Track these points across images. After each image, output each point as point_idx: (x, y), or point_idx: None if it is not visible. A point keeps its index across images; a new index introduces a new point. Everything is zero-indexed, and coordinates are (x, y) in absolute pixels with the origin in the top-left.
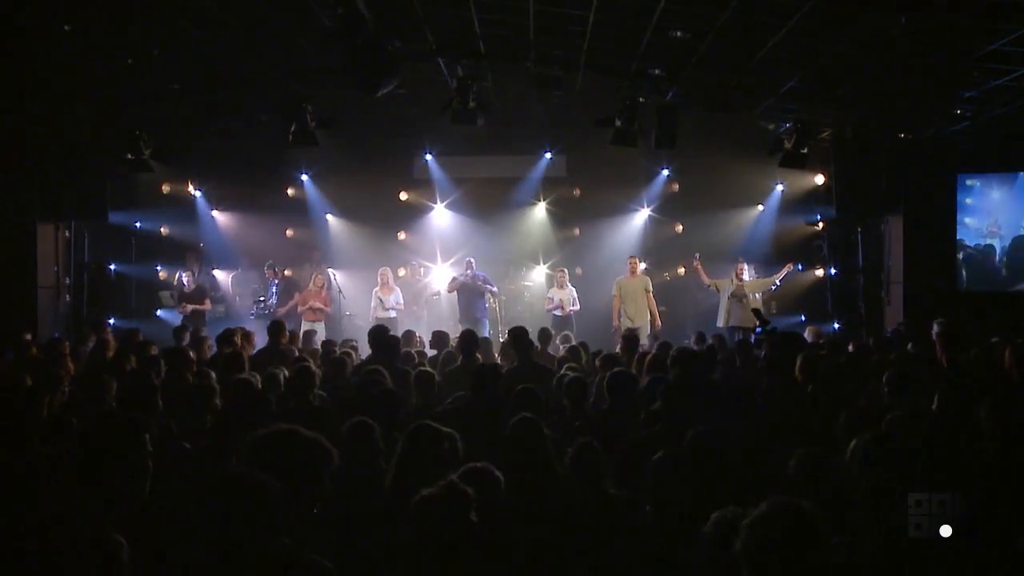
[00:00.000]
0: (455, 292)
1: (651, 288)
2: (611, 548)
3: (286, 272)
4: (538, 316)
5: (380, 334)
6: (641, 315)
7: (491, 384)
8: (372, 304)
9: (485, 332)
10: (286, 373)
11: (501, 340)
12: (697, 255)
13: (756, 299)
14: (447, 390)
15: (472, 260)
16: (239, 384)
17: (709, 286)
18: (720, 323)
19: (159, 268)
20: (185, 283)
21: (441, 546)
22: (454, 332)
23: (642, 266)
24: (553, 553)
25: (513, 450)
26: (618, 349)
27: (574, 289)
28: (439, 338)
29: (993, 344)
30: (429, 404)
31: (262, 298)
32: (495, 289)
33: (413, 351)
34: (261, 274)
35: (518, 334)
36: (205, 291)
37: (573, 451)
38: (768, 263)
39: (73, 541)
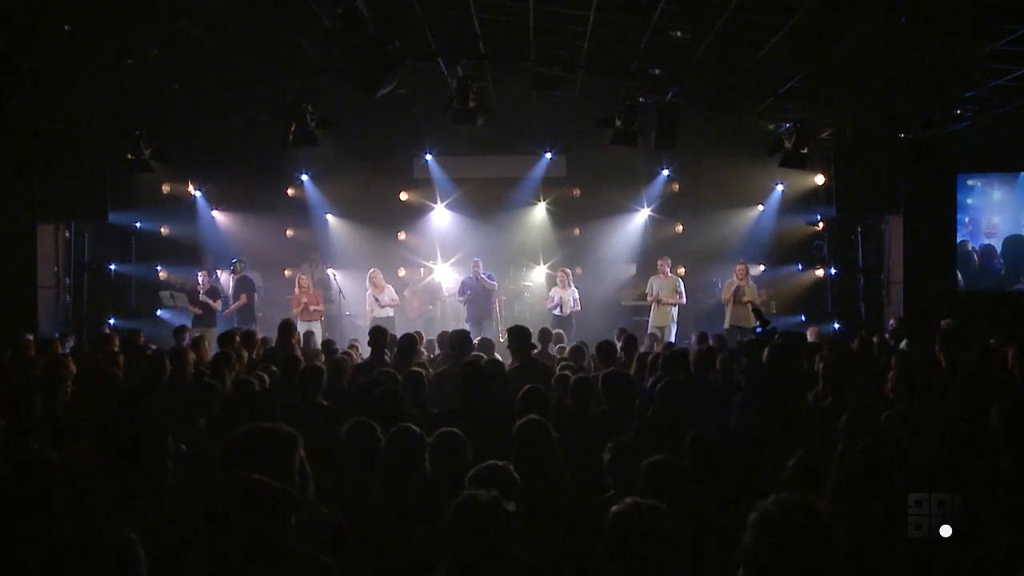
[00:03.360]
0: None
1: (680, 288)
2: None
3: (222, 275)
4: (538, 316)
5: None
6: (662, 317)
7: (479, 384)
8: (367, 306)
9: (492, 332)
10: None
11: (501, 340)
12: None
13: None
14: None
15: (479, 260)
16: (240, 385)
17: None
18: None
19: (159, 268)
20: (200, 282)
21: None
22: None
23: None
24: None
25: (520, 452)
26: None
27: (576, 290)
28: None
29: (993, 344)
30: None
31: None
32: (495, 284)
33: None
34: (260, 274)
35: (518, 333)
36: (218, 291)
37: (609, 452)
38: (768, 263)
39: (87, 539)
